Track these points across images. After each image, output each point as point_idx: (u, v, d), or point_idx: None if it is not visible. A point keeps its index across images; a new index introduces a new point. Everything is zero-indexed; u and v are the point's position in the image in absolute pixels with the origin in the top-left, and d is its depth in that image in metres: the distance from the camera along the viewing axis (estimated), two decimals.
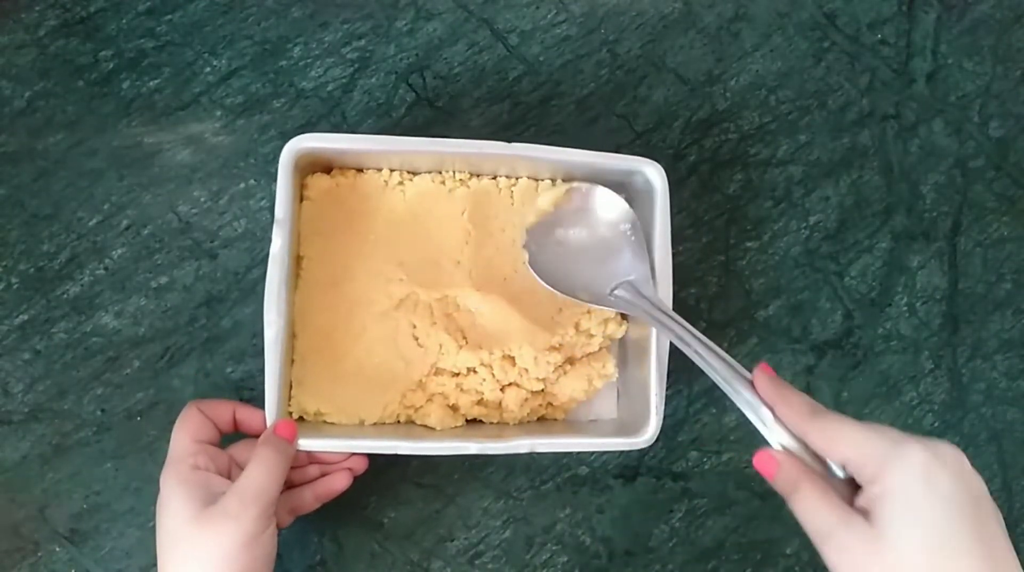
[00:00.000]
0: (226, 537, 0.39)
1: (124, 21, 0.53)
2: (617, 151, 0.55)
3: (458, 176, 0.50)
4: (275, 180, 0.52)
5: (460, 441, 0.45)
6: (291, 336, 0.47)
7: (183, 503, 0.40)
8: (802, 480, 0.36)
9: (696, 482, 0.53)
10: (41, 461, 0.50)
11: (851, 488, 0.36)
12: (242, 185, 0.52)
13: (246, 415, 0.46)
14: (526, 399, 0.49)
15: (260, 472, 0.41)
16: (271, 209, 0.52)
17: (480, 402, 0.49)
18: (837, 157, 0.57)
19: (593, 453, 0.53)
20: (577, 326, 0.50)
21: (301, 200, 0.49)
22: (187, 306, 0.51)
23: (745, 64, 0.57)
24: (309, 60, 0.54)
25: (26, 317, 0.51)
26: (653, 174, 0.47)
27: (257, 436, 0.44)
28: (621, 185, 0.50)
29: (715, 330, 0.55)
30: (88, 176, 0.52)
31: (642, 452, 0.53)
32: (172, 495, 0.41)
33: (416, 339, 0.48)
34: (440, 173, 0.50)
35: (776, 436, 0.38)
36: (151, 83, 0.53)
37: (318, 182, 0.48)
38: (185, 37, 0.53)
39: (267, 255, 0.52)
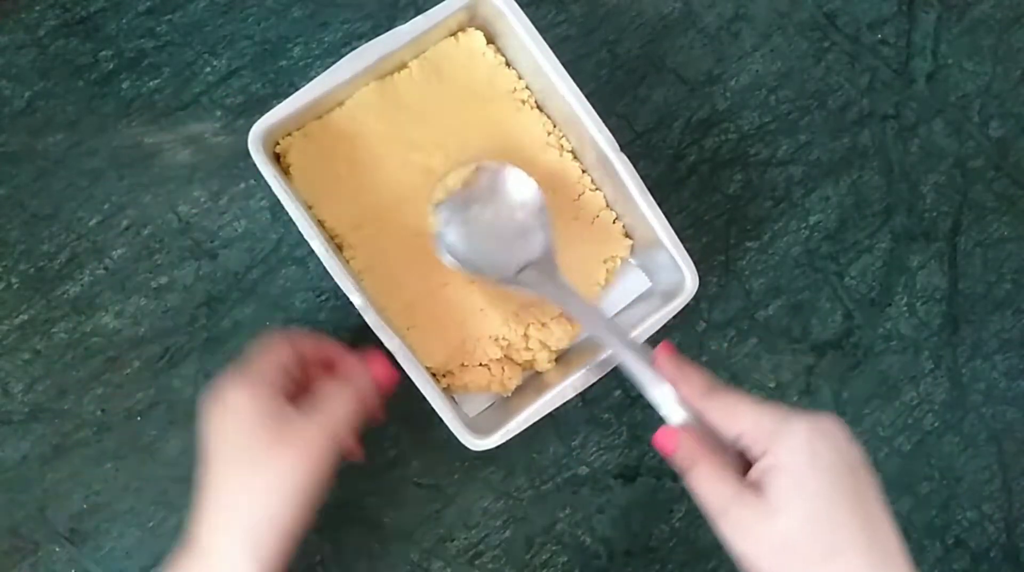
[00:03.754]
0: (295, 462, 0.38)
1: (124, 21, 0.53)
2: (623, 149, 0.55)
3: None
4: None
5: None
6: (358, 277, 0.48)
7: (255, 417, 0.38)
8: (699, 456, 0.37)
9: None
10: (41, 461, 0.50)
11: (744, 463, 0.37)
12: (242, 185, 0.52)
13: (333, 354, 0.44)
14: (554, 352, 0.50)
15: (340, 405, 0.40)
16: (271, 209, 0.52)
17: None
18: (837, 157, 0.57)
19: (593, 453, 0.53)
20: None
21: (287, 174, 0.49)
22: (187, 306, 0.51)
23: (745, 64, 0.57)
24: (309, 60, 0.54)
25: (26, 317, 0.51)
26: None
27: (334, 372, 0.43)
28: (479, 23, 0.50)
29: (715, 330, 0.55)
30: (88, 176, 0.52)
31: (642, 452, 0.53)
32: (249, 411, 0.38)
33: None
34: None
35: (677, 414, 0.39)
36: (151, 83, 0.53)
37: (288, 146, 0.48)
38: (185, 37, 0.53)
39: (267, 255, 0.52)
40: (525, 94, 0.50)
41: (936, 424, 0.55)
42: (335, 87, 0.46)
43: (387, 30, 0.54)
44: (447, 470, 0.52)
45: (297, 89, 0.53)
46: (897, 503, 0.54)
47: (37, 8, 0.53)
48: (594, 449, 0.53)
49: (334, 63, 0.46)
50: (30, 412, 0.50)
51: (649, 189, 0.55)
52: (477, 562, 0.52)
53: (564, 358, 0.51)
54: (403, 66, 0.49)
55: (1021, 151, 0.58)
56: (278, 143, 0.48)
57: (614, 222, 0.51)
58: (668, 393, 0.39)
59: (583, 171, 0.51)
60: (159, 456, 0.50)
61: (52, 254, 0.51)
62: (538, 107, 0.51)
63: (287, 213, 0.51)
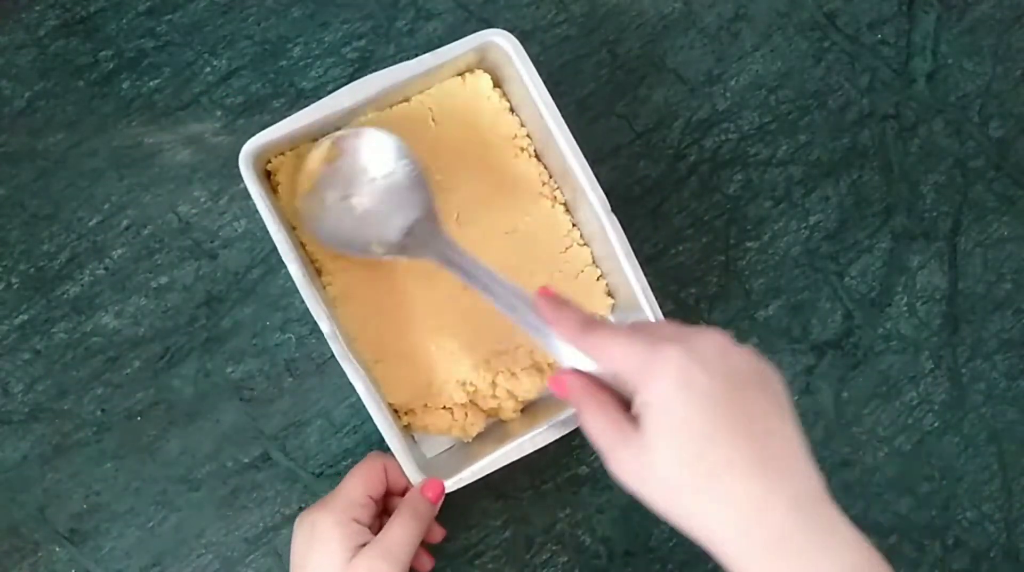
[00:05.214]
0: None
1: (124, 21, 0.53)
2: (617, 151, 0.55)
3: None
4: None
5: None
6: (351, 340, 0.46)
7: (338, 548, 0.41)
8: (585, 398, 0.36)
9: None
10: (41, 461, 0.50)
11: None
12: (242, 185, 0.52)
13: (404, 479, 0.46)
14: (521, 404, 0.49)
15: (404, 531, 0.42)
16: None
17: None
18: (837, 157, 0.57)
19: (593, 453, 0.53)
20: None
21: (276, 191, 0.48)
22: (187, 306, 0.51)
23: (745, 64, 0.57)
24: (309, 60, 0.54)
25: (26, 317, 0.51)
26: (503, 42, 0.46)
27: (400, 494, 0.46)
28: (491, 72, 0.50)
29: None
30: (88, 176, 0.52)
31: None
32: (330, 537, 0.41)
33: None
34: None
35: (568, 358, 0.38)
36: (151, 83, 0.53)
37: (280, 165, 0.48)
38: (185, 37, 0.53)
39: (267, 255, 0.52)
40: (525, 142, 0.50)
41: (936, 424, 0.55)
42: (334, 113, 0.46)
43: (386, 31, 0.54)
44: None
45: (297, 89, 0.53)
46: (897, 503, 0.54)
47: (37, 8, 0.53)
48: (594, 449, 0.53)
49: (337, 84, 0.45)
50: (30, 412, 0.50)
51: (649, 189, 0.55)
52: (477, 562, 0.52)
53: (530, 409, 0.50)
54: (405, 100, 0.49)
55: (1021, 151, 0.58)
56: (270, 161, 0.48)
57: (598, 279, 0.50)
58: (552, 337, 0.39)
59: (573, 225, 0.50)
60: (159, 456, 0.50)
61: (52, 254, 0.51)
62: (536, 156, 0.50)
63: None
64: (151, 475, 0.50)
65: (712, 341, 0.34)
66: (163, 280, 0.51)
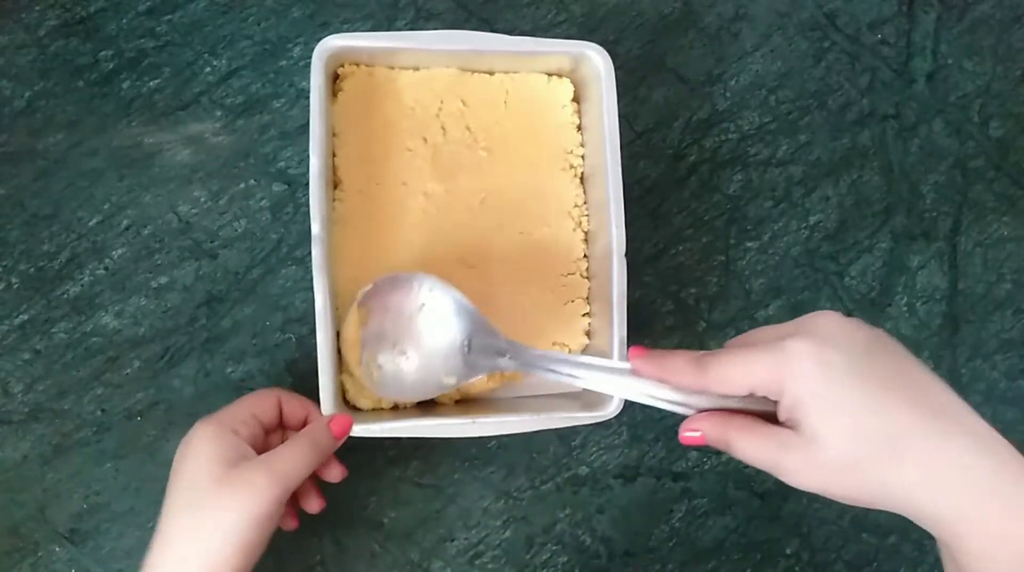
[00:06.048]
0: (242, 506, 0.38)
1: (124, 21, 0.53)
2: (622, 149, 0.55)
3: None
4: (276, 180, 0.52)
5: (461, 418, 0.45)
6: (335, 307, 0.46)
7: (207, 458, 0.39)
8: (727, 432, 0.36)
9: (696, 482, 0.53)
10: (41, 461, 0.50)
11: (772, 403, 0.35)
12: (242, 185, 0.52)
13: (302, 413, 0.45)
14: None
15: (295, 454, 0.40)
16: (271, 209, 0.52)
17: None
18: (837, 157, 0.57)
19: (593, 452, 0.53)
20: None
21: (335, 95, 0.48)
22: (187, 306, 0.51)
23: (745, 64, 0.57)
24: (309, 60, 0.53)
25: (26, 317, 0.51)
26: (599, 62, 0.47)
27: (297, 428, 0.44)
28: (571, 76, 0.50)
29: (715, 330, 0.55)
30: (88, 176, 0.52)
31: (642, 452, 0.53)
32: (202, 447, 0.40)
33: None
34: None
35: (688, 403, 0.37)
36: (151, 83, 0.53)
37: (349, 73, 0.48)
38: (185, 37, 0.53)
39: (267, 255, 0.52)
40: (577, 161, 0.50)
41: None
42: (419, 49, 0.47)
43: (387, 30, 0.54)
44: (447, 470, 0.52)
45: (297, 89, 0.53)
46: None
47: (37, 8, 0.53)
48: (594, 449, 0.53)
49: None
50: (30, 412, 0.50)
51: (649, 189, 0.55)
52: (477, 562, 0.52)
53: (465, 403, 0.49)
54: (489, 72, 0.49)
55: (1021, 151, 0.58)
56: (342, 66, 0.48)
57: (583, 316, 0.50)
58: (669, 393, 0.38)
59: (585, 255, 0.50)
60: (159, 456, 0.50)
61: (52, 254, 0.51)
62: (581, 179, 0.50)
63: (285, 210, 0.51)
64: (151, 475, 0.50)
65: (824, 321, 0.35)
66: (163, 280, 0.51)
